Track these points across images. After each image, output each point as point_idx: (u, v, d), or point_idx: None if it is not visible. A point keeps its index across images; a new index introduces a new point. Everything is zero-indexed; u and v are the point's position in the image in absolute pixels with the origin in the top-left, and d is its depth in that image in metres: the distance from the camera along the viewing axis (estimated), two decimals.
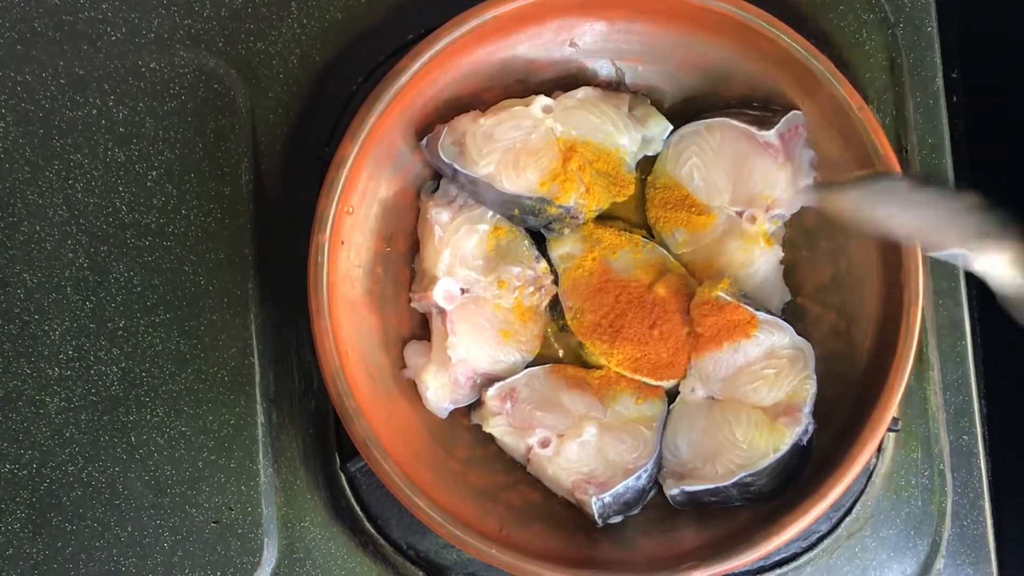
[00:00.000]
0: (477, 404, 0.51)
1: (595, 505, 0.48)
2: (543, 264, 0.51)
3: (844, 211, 0.45)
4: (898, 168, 0.49)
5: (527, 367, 0.51)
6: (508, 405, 0.50)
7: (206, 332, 0.51)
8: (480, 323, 0.50)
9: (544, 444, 0.49)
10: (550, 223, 0.50)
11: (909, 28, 0.56)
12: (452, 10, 0.48)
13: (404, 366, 0.51)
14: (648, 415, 0.50)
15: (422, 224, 0.51)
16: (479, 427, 0.51)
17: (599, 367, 0.51)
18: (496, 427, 0.50)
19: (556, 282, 0.51)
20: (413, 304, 0.51)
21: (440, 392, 0.50)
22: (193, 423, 0.51)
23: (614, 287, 0.50)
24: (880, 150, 0.48)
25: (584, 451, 0.49)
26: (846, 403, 0.50)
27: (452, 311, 0.49)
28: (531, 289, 0.50)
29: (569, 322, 0.50)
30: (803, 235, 0.53)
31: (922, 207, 0.44)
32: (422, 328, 0.52)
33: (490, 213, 0.50)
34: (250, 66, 0.53)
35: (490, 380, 0.50)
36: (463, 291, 0.50)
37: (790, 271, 0.53)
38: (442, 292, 0.49)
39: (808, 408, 0.49)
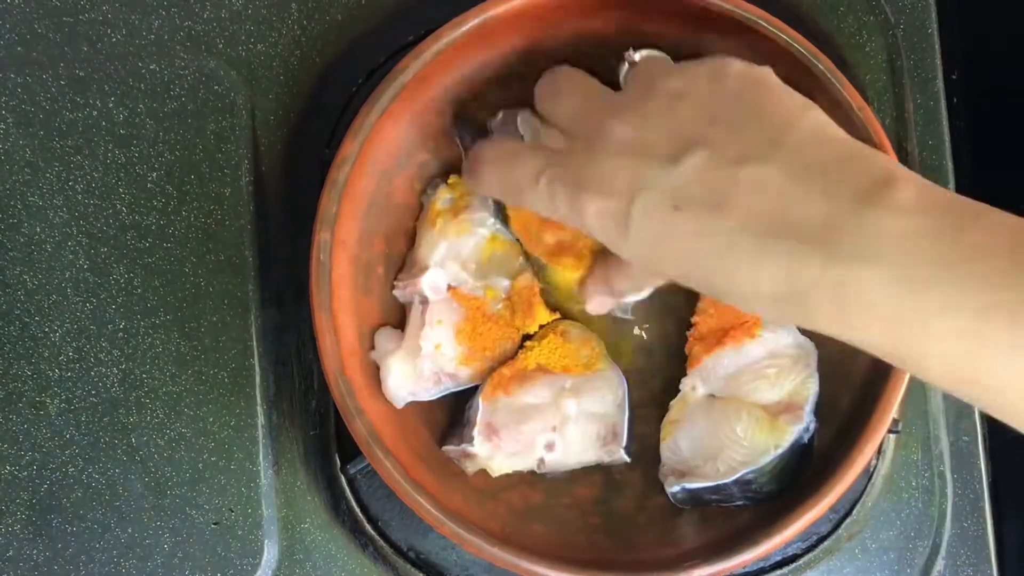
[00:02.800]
0: (466, 456, 0.49)
1: (624, 452, 0.49)
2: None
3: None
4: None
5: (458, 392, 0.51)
6: (496, 440, 0.49)
7: (207, 333, 0.51)
8: (457, 323, 0.50)
9: (551, 447, 0.49)
10: None
11: (910, 29, 0.56)
12: (453, 10, 0.48)
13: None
14: (596, 352, 0.51)
15: (423, 217, 0.51)
16: None
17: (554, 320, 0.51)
18: (503, 464, 0.49)
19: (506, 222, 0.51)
20: (396, 292, 0.50)
21: (402, 381, 0.49)
22: (193, 424, 0.51)
23: None
24: (881, 149, 0.48)
25: (580, 424, 0.49)
26: (847, 404, 0.50)
27: (434, 303, 0.49)
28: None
29: (532, 252, 0.50)
30: None
31: None
32: None
33: (491, 219, 0.50)
34: (250, 68, 0.53)
35: (450, 377, 0.50)
36: (450, 288, 0.49)
37: None
38: (430, 282, 0.49)
39: (810, 406, 0.48)
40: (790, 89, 0.38)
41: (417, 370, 0.49)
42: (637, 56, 0.44)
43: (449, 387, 0.50)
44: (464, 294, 0.50)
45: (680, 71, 0.39)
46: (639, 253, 0.37)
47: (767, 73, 0.39)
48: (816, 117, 0.37)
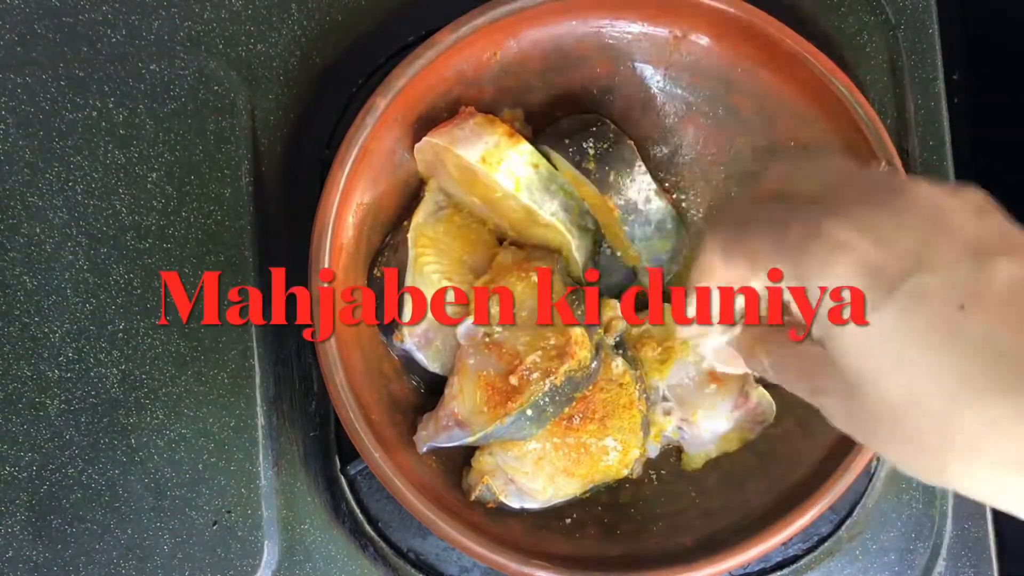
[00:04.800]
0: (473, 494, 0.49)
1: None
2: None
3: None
4: None
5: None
6: (512, 487, 0.49)
7: (206, 334, 0.51)
8: (485, 370, 0.47)
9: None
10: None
11: (910, 30, 0.56)
12: (452, 12, 0.48)
13: (405, 380, 0.51)
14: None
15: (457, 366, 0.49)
16: None
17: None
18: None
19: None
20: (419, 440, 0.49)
21: (424, 433, 0.48)
22: (193, 425, 0.51)
23: None
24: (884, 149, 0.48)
25: None
26: None
27: (464, 348, 0.48)
28: (554, 352, 0.46)
29: None
30: None
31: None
32: None
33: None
34: (250, 68, 0.53)
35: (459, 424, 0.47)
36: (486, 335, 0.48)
37: None
38: (465, 329, 0.48)
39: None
40: None
41: (436, 420, 0.48)
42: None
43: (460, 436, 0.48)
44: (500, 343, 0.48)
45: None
46: (880, 327, 0.29)
47: None
48: None
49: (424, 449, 0.48)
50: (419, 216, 0.49)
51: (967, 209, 0.30)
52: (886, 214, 0.30)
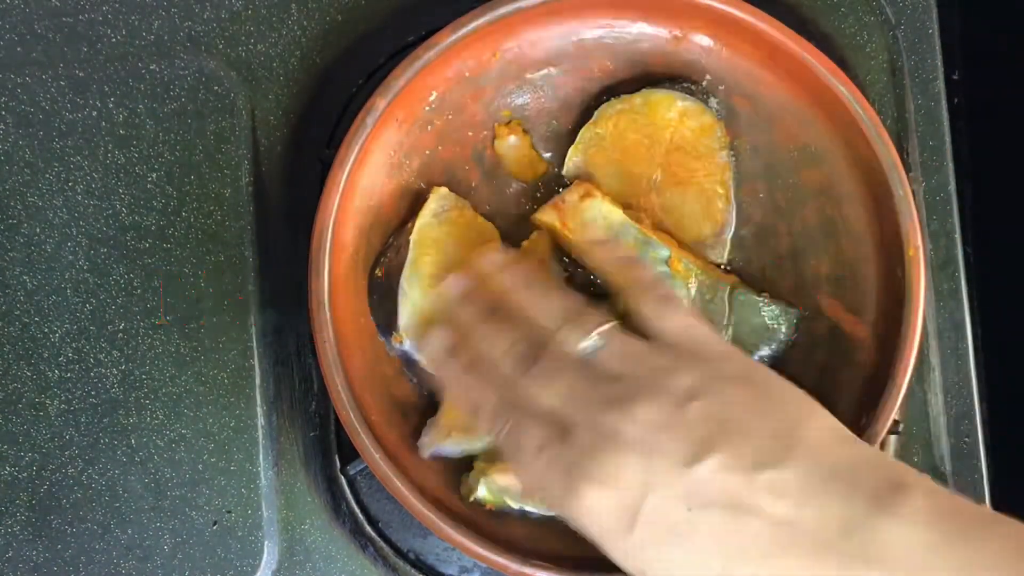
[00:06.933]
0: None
1: None
2: None
3: None
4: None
5: None
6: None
7: (206, 334, 0.51)
8: None
9: None
10: None
11: (910, 30, 0.56)
12: (453, 12, 0.48)
13: (406, 380, 0.51)
14: None
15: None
16: None
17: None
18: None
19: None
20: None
21: (426, 439, 0.49)
22: (193, 426, 0.51)
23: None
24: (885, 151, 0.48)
25: None
26: (847, 405, 0.50)
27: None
28: None
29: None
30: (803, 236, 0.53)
31: None
32: None
33: None
34: (250, 68, 0.53)
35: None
36: None
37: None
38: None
39: None
40: (790, 385, 0.39)
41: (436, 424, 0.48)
42: (601, 331, 0.40)
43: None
44: None
45: (684, 368, 0.38)
46: (636, 550, 0.36)
47: (766, 370, 0.39)
48: (822, 419, 0.38)
49: (427, 455, 0.48)
50: (424, 218, 0.49)
51: (673, 429, 0.36)
52: (611, 464, 0.36)
